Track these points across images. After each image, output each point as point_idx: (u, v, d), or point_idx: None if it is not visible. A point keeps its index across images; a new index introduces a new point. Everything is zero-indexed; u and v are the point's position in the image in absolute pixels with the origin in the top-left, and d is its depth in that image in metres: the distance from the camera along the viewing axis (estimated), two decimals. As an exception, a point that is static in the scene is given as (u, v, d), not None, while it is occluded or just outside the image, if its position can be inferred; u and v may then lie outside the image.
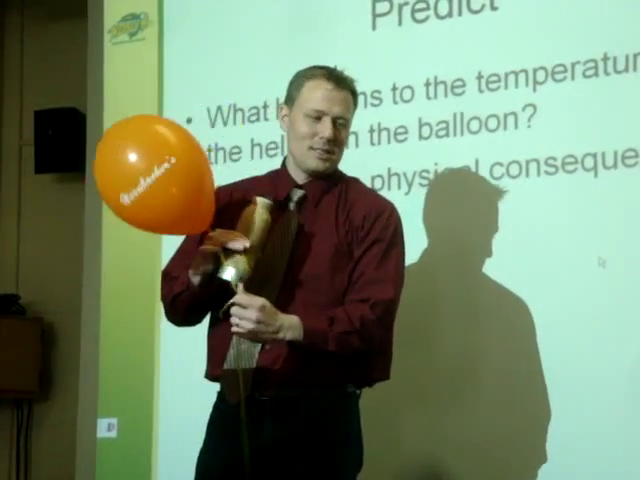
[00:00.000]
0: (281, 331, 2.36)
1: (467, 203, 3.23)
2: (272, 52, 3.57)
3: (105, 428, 3.78)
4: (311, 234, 2.50)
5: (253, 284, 2.36)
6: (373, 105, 3.38)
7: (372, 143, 3.38)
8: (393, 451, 3.21)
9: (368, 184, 2.98)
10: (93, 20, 4.20)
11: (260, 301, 2.32)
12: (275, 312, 2.35)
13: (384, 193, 2.95)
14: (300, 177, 2.57)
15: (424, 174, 3.29)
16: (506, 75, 3.19)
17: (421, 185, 3.29)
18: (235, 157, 3.64)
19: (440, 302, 3.23)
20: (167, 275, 2.58)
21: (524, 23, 3.18)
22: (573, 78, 3.11)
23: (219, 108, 3.68)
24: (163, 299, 2.58)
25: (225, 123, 3.67)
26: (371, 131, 3.38)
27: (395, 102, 3.37)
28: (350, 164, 2.65)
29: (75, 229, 4.48)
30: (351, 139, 3.14)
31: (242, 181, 2.67)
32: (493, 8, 3.25)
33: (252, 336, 2.35)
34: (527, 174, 3.15)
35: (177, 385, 3.62)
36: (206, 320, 2.61)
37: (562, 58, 3.12)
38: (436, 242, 3.18)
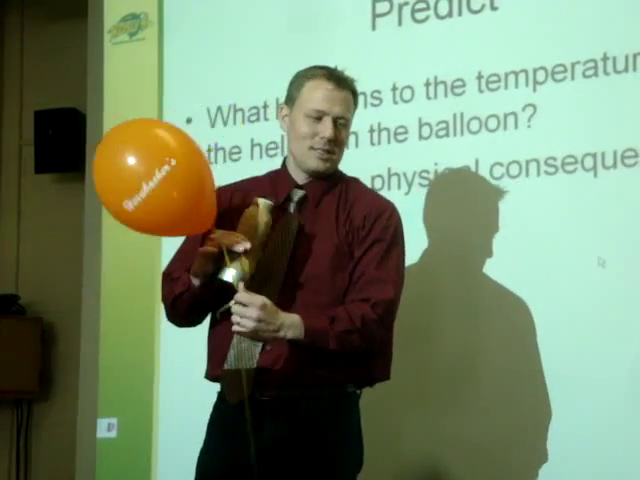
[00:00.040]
0: (282, 330, 2.36)
1: (467, 203, 3.23)
2: (272, 52, 3.57)
3: (105, 428, 3.78)
4: (311, 234, 2.50)
5: (254, 284, 2.36)
6: (373, 105, 3.38)
7: (372, 143, 3.39)
8: (393, 451, 3.21)
9: (368, 184, 2.98)
10: (93, 20, 4.20)
11: (261, 299, 2.32)
12: (276, 311, 2.35)
13: (384, 193, 2.94)
14: (300, 177, 2.57)
15: (424, 174, 3.29)
16: (506, 75, 3.20)
17: (421, 185, 3.29)
18: (235, 157, 3.64)
19: (440, 302, 3.23)
20: (168, 276, 2.58)
21: (524, 23, 3.19)
22: (573, 78, 3.11)
23: (219, 108, 3.68)
24: (164, 300, 2.58)
25: (225, 123, 3.68)
26: (371, 131, 3.38)
27: (395, 102, 3.37)
28: (350, 164, 2.65)
29: (75, 229, 4.48)
30: (351, 139, 3.14)
31: (242, 181, 2.67)
32: (493, 8, 3.25)
33: (253, 335, 2.35)
34: (527, 174, 3.15)
35: (177, 385, 3.62)
36: (206, 320, 2.61)
37: (562, 58, 3.12)
38: (436, 242, 3.18)
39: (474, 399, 3.14)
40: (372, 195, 2.66)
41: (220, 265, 2.37)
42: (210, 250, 2.38)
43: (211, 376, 2.56)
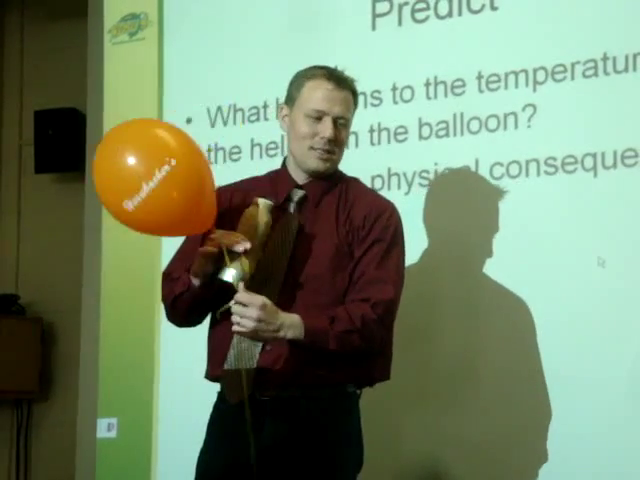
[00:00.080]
0: (282, 330, 2.36)
1: (467, 203, 3.23)
2: (272, 52, 3.57)
3: (105, 428, 3.78)
4: (311, 234, 2.50)
5: (254, 284, 2.36)
6: (373, 105, 3.38)
7: (372, 143, 3.39)
8: (393, 451, 3.21)
9: (368, 184, 2.98)
10: (93, 20, 4.20)
11: (261, 299, 2.32)
12: (276, 311, 2.35)
13: (384, 193, 2.94)
14: (300, 177, 2.57)
15: (424, 174, 3.29)
16: (506, 75, 3.20)
17: (421, 185, 3.29)
18: (235, 157, 3.64)
19: (440, 302, 3.23)
20: (168, 276, 2.57)
21: (524, 23, 3.18)
22: (573, 78, 3.11)
23: (219, 108, 3.68)
24: (164, 300, 2.58)
25: (225, 123, 3.67)
26: (371, 131, 3.38)
27: (395, 102, 3.37)
28: (350, 164, 2.65)
29: (75, 229, 4.48)
30: (351, 139, 3.14)
31: (242, 181, 2.67)
32: (493, 8, 3.25)
33: (253, 335, 2.35)
34: (527, 174, 3.15)
35: (177, 385, 3.62)
36: (206, 320, 2.61)
37: (562, 58, 3.12)
38: (436, 242, 3.18)
39: (474, 399, 3.14)
40: (372, 195, 2.66)
41: (220, 265, 2.37)
42: (210, 250, 2.38)
43: (211, 376, 2.56)
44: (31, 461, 5.06)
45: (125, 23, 3.93)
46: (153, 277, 3.65)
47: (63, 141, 4.91)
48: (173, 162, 2.25)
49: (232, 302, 2.34)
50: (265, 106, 3.58)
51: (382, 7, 3.42)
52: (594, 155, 3.07)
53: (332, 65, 2.62)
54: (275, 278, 2.45)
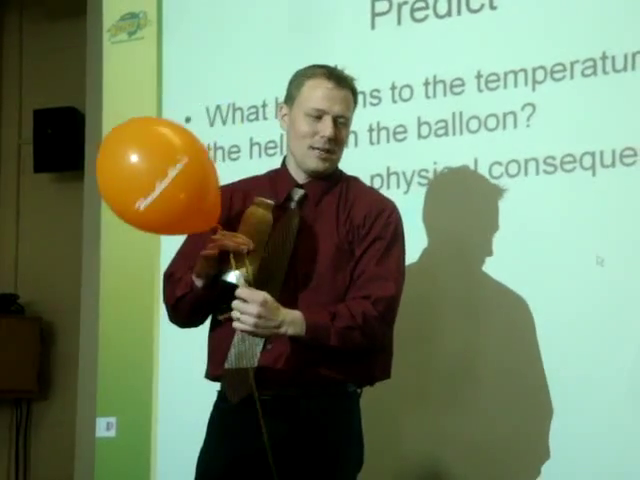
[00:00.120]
0: (283, 326, 2.36)
1: (466, 202, 3.23)
2: (271, 51, 3.57)
3: (104, 427, 3.78)
4: (312, 233, 2.50)
5: (255, 283, 2.35)
6: (372, 104, 3.38)
7: (371, 142, 3.39)
8: (393, 451, 3.21)
9: (367, 183, 2.97)
10: (92, 19, 4.20)
11: (261, 295, 2.32)
12: (277, 307, 2.35)
13: (383, 192, 2.93)
14: (300, 176, 2.57)
15: (423, 173, 3.30)
16: (505, 74, 3.20)
17: (420, 184, 3.29)
18: (234, 156, 3.64)
19: (440, 301, 3.23)
20: (169, 277, 2.57)
21: (523, 22, 3.19)
22: (572, 77, 3.12)
23: (218, 107, 3.68)
24: (166, 301, 2.58)
25: (224, 122, 3.67)
26: (370, 130, 3.38)
27: (394, 101, 3.37)
28: (349, 163, 2.65)
29: (74, 228, 4.48)
30: (350, 138, 3.12)
31: (242, 181, 2.67)
32: (492, 7, 3.25)
33: (253, 331, 2.35)
34: (526, 173, 3.16)
35: (176, 384, 3.62)
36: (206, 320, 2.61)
37: (561, 57, 3.12)
38: (436, 241, 3.18)
39: (474, 398, 3.14)
40: (372, 194, 2.66)
41: (223, 266, 2.36)
42: (213, 253, 2.37)
43: (212, 375, 2.56)
44: (30, 460, 5.07)
45: (124, 22, 3.93)
46: (152, 276, 3.65)
47: (62, 140, 4.91)
48: (185, 160, 2.24)
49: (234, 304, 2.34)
50: (264, 105, 3.58)
51: (381, 6, 3.42)
52: (593, 154, 3.07)
53: (331, 64, 2.62)
54: (276, 277, 2.44)
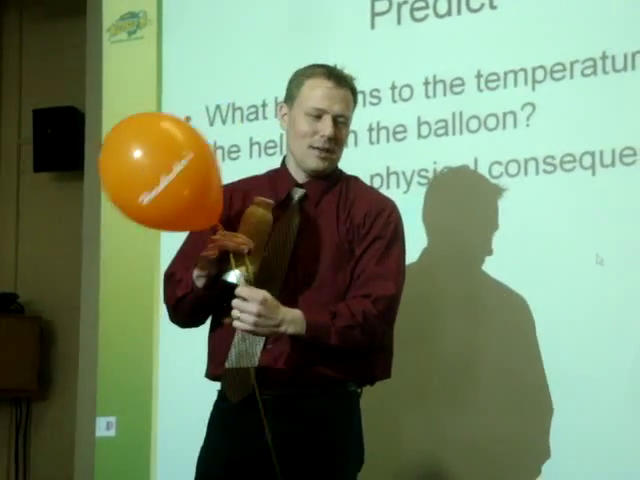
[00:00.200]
0: (283, 325, 2.35)
1: (466, 202, 3.23)
2: (271, 51, 3.57)
3: (104, 427, 3.78)
4: (312, 233, 2.50)
5: (255, 283, 2.35)
6: (372, 104, 3.38)
7: (371, 142, 3.39)
8: (393, 451, 3.20)
9: (367, 183, 2.97)
10: (92, 19, 4.20)
11: (261, 294, 2.31)
12: (277, 305, 2.35)
13: (383, 192, 2.94)
14: (300, 176, 2.57)
15: (423, 173, 3.30)
16: (505, 74, 3.20)
17: (420, 184, 3.29)
18: (234, 156, 3.64)
19: (440, 301, 3.23)
20: (170, 277, 2.57)
21: (523, 22, 3.18)
22: (572, 77, 3.12)
23: (218, 107, 3.68)
24: (166, 302, 2.58)
25: (224, 122, 3.67)
26: (370, 130, 3.38)
27: (394, 101, 3.37)
28: (349, 163, 2.65)
29: (74, 228, 4.48)
30: (350, 138, 3.12)
31: (241, 181, 2.66)
32: (492, 7, 3.25)
33: (253, 330, 2.35)
34: (526, 173, 3.16)
35: (176, 384, 3.62)
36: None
37: (561, 57, 3.12)
38: (435, 241, 3.18)
39: (474, 397, 3.14)
40: (372, 193, 2.66)
41: (224, 266, 2.35)
42: (213, 254, 2.36)
43: (212, 375, 2.56)
44: (30, 459, 5.07)
45: (124, 22, 3.93)
46: (152, 275, 3.65)
47: (62, 140, 4.91)
48: (190, 156, 2.24)
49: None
50: (264, 105, 3.58)
51: (381, 6, 3.42)
52: (592, 154, 3.07)
53: (331, 64, 2.62)
54: (276, 277, 2.44)
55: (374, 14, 3.43)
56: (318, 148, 2.50)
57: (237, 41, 3.66)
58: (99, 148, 2.36)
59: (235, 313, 2.32)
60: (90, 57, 4.19)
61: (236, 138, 3.63)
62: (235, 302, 2.32)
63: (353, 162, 2.73)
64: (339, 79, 2.52)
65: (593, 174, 3.07)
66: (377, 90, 3.38)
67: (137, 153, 2.22)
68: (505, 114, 3.19)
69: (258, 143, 3.59)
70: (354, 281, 2.48)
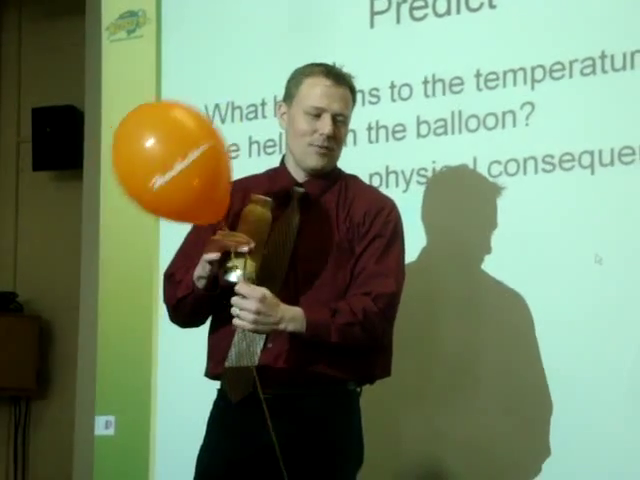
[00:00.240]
0: (282, 322, 2.35)
1: (465, 201, 3.23)
2: (270, 50, 3.57)
3: (103, 426, 3.78)
4: (312, 232, 2.50)
5: (257, 282, 2.35)
6: (371, 103, 3.38)
7: (370, 141, 3.38)
8: (393, 450, 3.20)
9: (366, 182, 2.97)
10: (91, 18, 4.20)
11: (260, 292, 2.31)
12: (277, 303, 2.35)
13: (382, 191, 2.94)
14: (300, 175, 2.56)
15: (422, 172, 3.30)
16: (504, 73, 3.19)
17: (419, 183, 3.29)
18: (233, 155, 3.62)
19: (439, 300, 3.23)
20: (170, 277, 2.57)
21: (522, 21, 3.18)
22: (571, 76, 3.11)
23: (217, 106, 3.67)
24: (166, 302, 2.58)
25: (223, 121, 3.67)
26: (369, 129, 3.38)
27: (393, 100, 3.37)
28: (348, 162, 2.65)
29: (73, 227, 4.48)
30: (349, 137, 3.13)
31: (240, 180, 2.66)
32: (491, 6, 3.24)
33: (253, 327, 2.34)
34: (525, 172, 3.15)
35: (175, 383, 3.62)
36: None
37: (560, 56, 3.12)
38: (434, 240, 3.18)
39: (474, 397, 3.13)
40: (372, 192, 2.66)
41: (225, 266, 2.35)
42: (214, 256, 2.36)
43: (211, 374, 2.56)
44: (29, 458, 5.07)
45: (123, 20, 3.93)
46: (151, 275, 3.65)
47: (61, 139, 4.91)
48: (206, 145, 2.24)
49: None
50: (263, 104, 3.58)
51: (380, 5, 3.42)
52: (592, 153, 3.07)
53: (330, 63, 2.62)
54: (277, 276, 2.44)
55: (373, 13, 3.43)
56: (317, 146, 2.50)
57: (236, 40, 3.66)
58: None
59: (234, 311, 2.32)
60: (89, 56, 4.19)
61: (235, 137, 3.62)
62: (234, 300, 2.32)
63: (352, 161, 2.73)
64: (338, 78, 2.52)
65: (592, 173, 3.07)
66: (376, 89, 3.37)
67: (154, 137, 2.22)
68: (504, 113, 3.19)
69: (257, 142, 3.59)
70: (354, 279, 2.48)
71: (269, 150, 3.55)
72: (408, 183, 3.32)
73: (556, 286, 3.06)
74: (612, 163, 3.04)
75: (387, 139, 3.37)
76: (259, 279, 2.35)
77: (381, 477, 3.11)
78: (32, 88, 5.19)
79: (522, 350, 3.08)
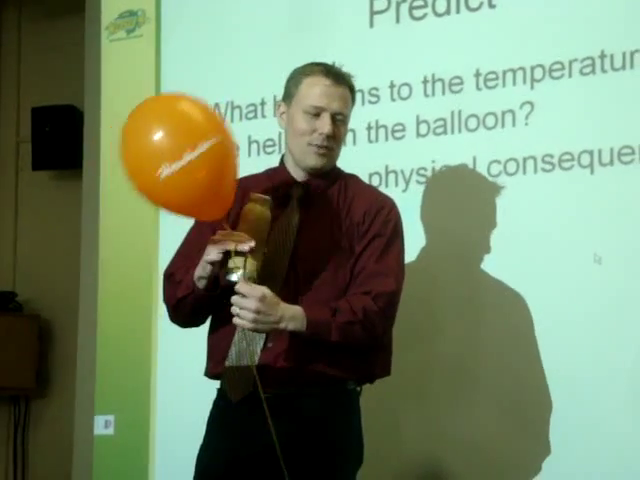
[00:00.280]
0: (282, 321, 2.35)
1: (465, 200, 3.23)
2: (270, 49, 3.57)
3: (102, 425, 3.78)
4: (312, 231, 2.49)
5: (257, 282, 2.35)
6: (371, 102, 3.38)
7: (370, 140, 3.39)
8: (393, 451, 3.20)
9: (365, 181, 2.97)
10: (90, 17, 4.20)
11: (260, 291, 2.31)
12: (277, 302, 2.35)
13: (381, 190, 2.94)
14: (299, 174, 2.56)
15: (421, 171, 3.30)
16: (504, 73, 3.19)
17: (418, 183, 3.29)
18: (232, 154, 3.63)
19: (438, 299, 3.23)
20: (170, 277, 2.57)
21: (522, 21, 3.18)
22: (570, 76, 3.11)
23: (216, 105, 3.67)
24: (166, 302, 2.57)
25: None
26: (369, 128, 3.38)
27: (393, 99, 3.37)
28: (348, 161, 2.65)
29: (72, 226, 4.48)
30: (349, 136, 3.13)
31: (240, 179, 2.65)
32: (491, 6, 3.25)
33: (252, 326, 2.34)
34: (524, 171, 3.15)
35: (174, 382, 3.62)
36: (206, 318, 2.61)
37: (560, 56, 3.12)
38: (434, 239, 3.18)
39: (474, 396, 3.13)
40: (371, 191, 2.66)
41: (226, 266, 2.35)
42: (215, 257, 2.35)
43: (211, 373, 2.56)
44: (28, 457, 5.07)
45: (122, 20, 3.93)
46: (151, 274, 3.65)
47: (60, 138, 4.91)
48: (215, 139, 2.24)
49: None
50: (263, 103, 3.58)
51: (380, 4, 3.42)
52: (591, 152, 3.07)
53: (330, 62, 2.62)
54: (277, 275, 2.44)
55: (373, 12, 3.43)
56: (317, 145, 2.50)
57: (236, 39, 3.66)
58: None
59: (234, 310, 2.32)
60: (89, 55, 4.19)
61: (235, 136, 3.62)
62: (234, 299, 2.32)
63: (352, 161, 2.73)
64: (337, 77, 2.52)
65: (592, 173, 3.07)
66: (376, 89, 3.37)
67: (163, 129, 2.23)
68: (504, 113, 3.19)
69: (257, 141, 3.59)
70: (354, 279, 2.48)
71: (268, 150, 3.55)
72: (407, 183, 3.32)
73: (556, 286, 3.06)
74: (612, 163, 3.04)
75: (387, 139, 3.37)
76: (260, 278, 2.36)
77: (381, 477, 3.11)
78: (32, 87, 5.19)
79: (522, 350, 3.08)
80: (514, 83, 3.19)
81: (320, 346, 2.41)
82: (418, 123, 3.32)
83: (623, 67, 3.05)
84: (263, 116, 3.59)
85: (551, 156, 3.12)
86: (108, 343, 3.82)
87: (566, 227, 3.08)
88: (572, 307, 3.03)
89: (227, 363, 2.47)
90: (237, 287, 2.31)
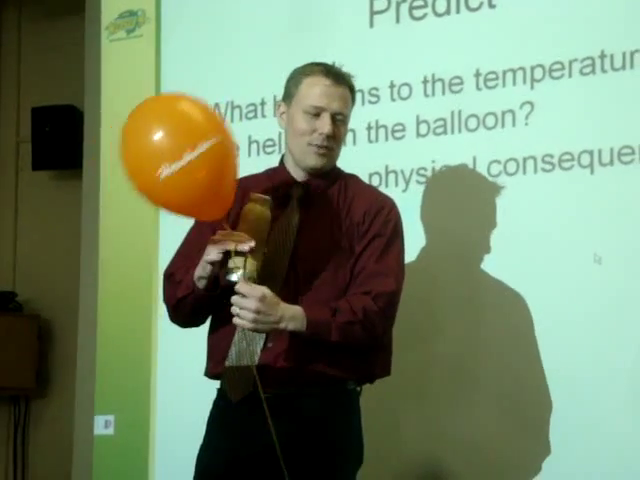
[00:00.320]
0: (282, 321, 2.35)
1: (465, 200, 3.23)
2: (270, 49, 3.57)
3: (102, 425, 3.78)
4: (312, 231, 2.49)
5: (258, 282, 2.35)
6: (371, 102, 3.38)
7: (370, 140, 3.39)
8: (393, 451, 3.20)
9: (365, 182, 2.97)
10: (90, 17, 4.20)
11: (260, 291, 2.31)
12: (277, 302, 2.35)
13: (381, 190, 2.94)
14: (299, 174, 2.56)
15: (421, 172, 3.30)
16: (504, 73, 3.19)
17: (418, 183, 3.29)
18: (232, 154, 3.63)
19: (439, 299, 3.23)
20: (169, 277, 2.57)
21: (522, 21, 3.18)
22: (570, 75, 3.11)
23: (216, 105, 3.67)
24: (166, 302, 2.57)
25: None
26: (369, 128, 3.38)
27: (393, 99, 3.37)
28: (348, 161, 2.65)
29: (72, 226, 4.48)
30: (349, 136, 3.13)
31: (240, 179, 2.65)
32: (491, 6, 3.25)
33: (252, 326, 2.34)
34: (524, 171, 3.15)
35: (174, 382, 3.62)
36: (206, 318, 2.61)
37: (559, 56, 3.12)
38: (434, 239, 3.18)
39: (474, 396, 3.13)
40: (371, 191, 2.66)
41: (226, 266, 2.35)
42: (215, 257, 2.35)
43: (211, 373, 2.56)
44: (28, 457, 5.07)
45: (122, 20, 3.93)
46: (151, 274, 3.65)
47: (60, 138, 4.91)
48: (215, 139, 2.25)
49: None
50: (263, 103, 3.58)
51: (380, 4, 3.42)
52: (591, 152, 3.07)
53: (330, 62, 2.62)
54: (277, 275, 2.44)
55: (373, 12, 3.43)
56: (317, 145, 2.50)
57: (236, 39, 3.66)
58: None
59: (234, 310, 2.32)
60: (89, 55, 4.20)
61: (235, 136, 3.62)
62: (234, 299, 2.32)
63: (352, 161, 2.73)
64: (337, 77, 2.52)
65: (592, 173, 3.07)
66: (376, 89, 3.37)
67: (164, 127, 2.23)
68: (504, 113, 3.19)
69: (257, 141, 3.59)
70: (354, 279, 2.48)
71: (268, 150, 3.55)
72: (408, 183, 3.32)
73: (556, 286, 3.06)
74: (611, 163, 3.04)
75: (387, 139, 3.37)
76: (260, 278, 2.36)
77: (381, 477, 3.11)
78: (32, 87, 5.19)
79: (522, 350, 3.08)
80: (514, 83, 3.19)
81: (320, 346, 2.41)
82: (418, 123, 3.32)
83: (623, 67, 3.05)
84: (263, 116, 3.59)
85: (551, 156, 3.12)
86: (108, 343, 3.82)
87: (566, 227, 3.08)
88: (572, 307, 3.04)
89: (227, 363, 2.47)
90: (237, 287, 2.31)
